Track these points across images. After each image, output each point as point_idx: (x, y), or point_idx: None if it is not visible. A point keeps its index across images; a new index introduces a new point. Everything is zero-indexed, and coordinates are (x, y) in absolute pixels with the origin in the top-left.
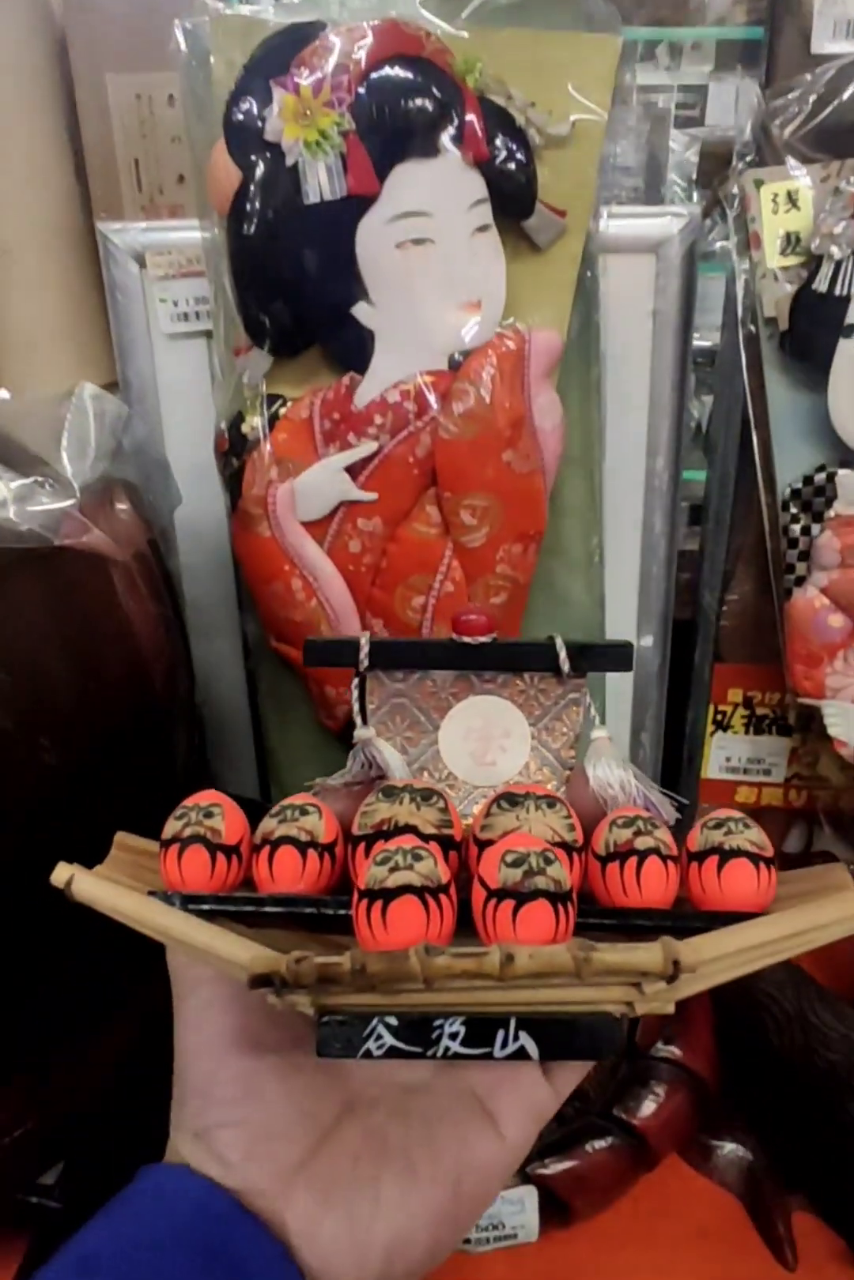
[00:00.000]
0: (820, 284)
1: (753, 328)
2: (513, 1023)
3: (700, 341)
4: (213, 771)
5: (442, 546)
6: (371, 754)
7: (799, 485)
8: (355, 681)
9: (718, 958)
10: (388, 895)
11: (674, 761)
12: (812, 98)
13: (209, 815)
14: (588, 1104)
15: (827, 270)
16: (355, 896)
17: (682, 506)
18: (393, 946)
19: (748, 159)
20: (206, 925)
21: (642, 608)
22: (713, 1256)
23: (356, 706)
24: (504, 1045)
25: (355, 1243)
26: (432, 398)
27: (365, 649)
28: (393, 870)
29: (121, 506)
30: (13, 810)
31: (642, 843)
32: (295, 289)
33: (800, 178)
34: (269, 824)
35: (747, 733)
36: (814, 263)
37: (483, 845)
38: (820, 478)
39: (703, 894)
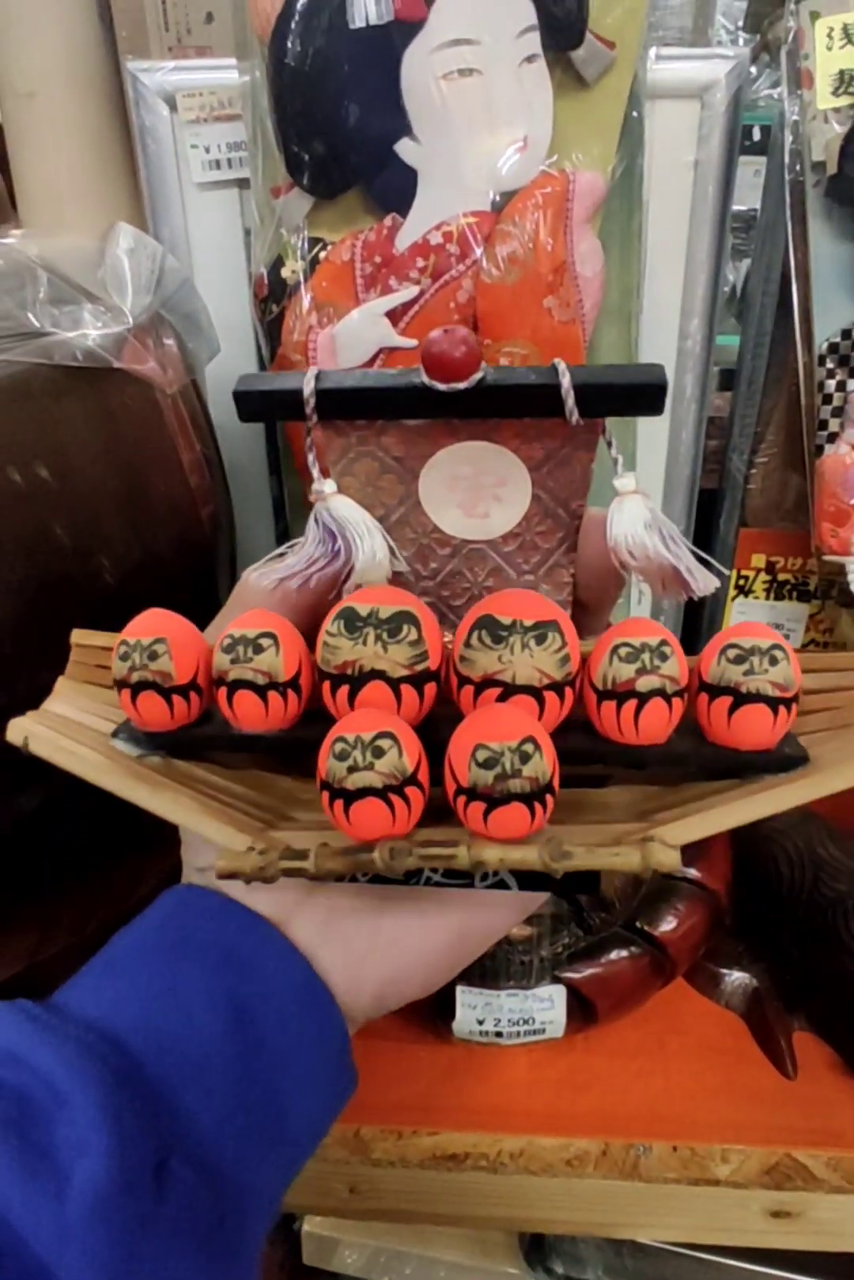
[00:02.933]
0: None
1: (800, 172)
2: None
3: (737, 205)
4: None
5: None
6: (330, 517)
7: (838, 339)
8: (306, 434)
9: (703, 836)
10: (349, 796)
11: (694, 623)
12: None
13: (154, 656)
14: (613, 915)
15: None
16: (319, 786)
17: (712, 371)
18: (358, 839)
19: None
20: (171, 788)
21: (669, 473)
22: (719, 1066)
23: (312, 460)
24: (485, 877)
25: (348, 975)
26: (474, 240)
27: (311, 398)
28: (352, 770)
29: (168, 342)
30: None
31: (645, 683)
32: (338, 121)
33: None
34: (222, 661)
35: (767, 598)
36: None
37: (463, 681)
38: None
39: (710, 727)
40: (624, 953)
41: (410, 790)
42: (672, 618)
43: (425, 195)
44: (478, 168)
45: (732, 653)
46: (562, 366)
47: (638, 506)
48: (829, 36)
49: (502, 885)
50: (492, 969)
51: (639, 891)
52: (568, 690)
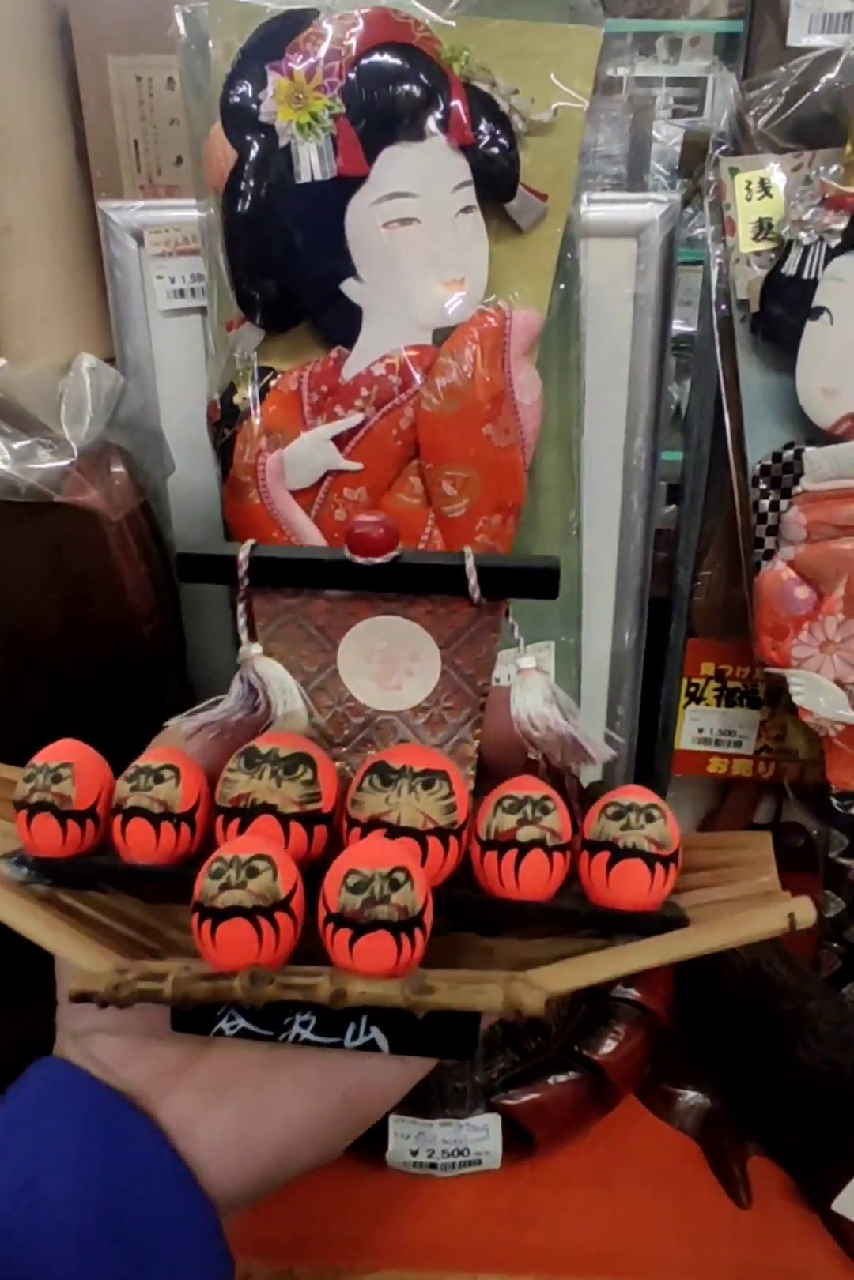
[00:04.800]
0: (789, 267)
1: (726, 310)
2: (364, 1018)
3: (682, 326)
4: None
5: (423, 516)
6: (255, 676)
7: (769, 462)
8: (239, 598)
9: (571, 988)
10: (217, 915)
11: (650, 732)
12: (785, 89)
13: (58, 778)
14: (550, 1039)
15: (795, 255)
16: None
17: (660, 486)
18: (221, 966)
19: (724, 148)
20: (45, 916)
21: (619, 584)
22: (670, 1195)
23: (243, 623)
24: (355, 1037)
25: (243, 1136)
26: (415, 372)
27: (244, 564)
28: (224, 887)
29: (116, 469)
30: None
31: (526, 834)
32: (286, 265)
33: (773, 166)
34: (122, 789)
35: (718, 705)
36: (784, 247)
37: (352, 823)
38: (788, 455)
39: (591, 886)
40: (562, 1078)
41: (281, 916)
42: (628, 725)
43: (370, 330)
44: (419, 306)
45: (611, 810)
46: (468, 552)
47: (538, 683)
48: (748, 189)
49: (372, 1046)
50: (424, 1097)
51: (576, 1014)
52: (453, 840)
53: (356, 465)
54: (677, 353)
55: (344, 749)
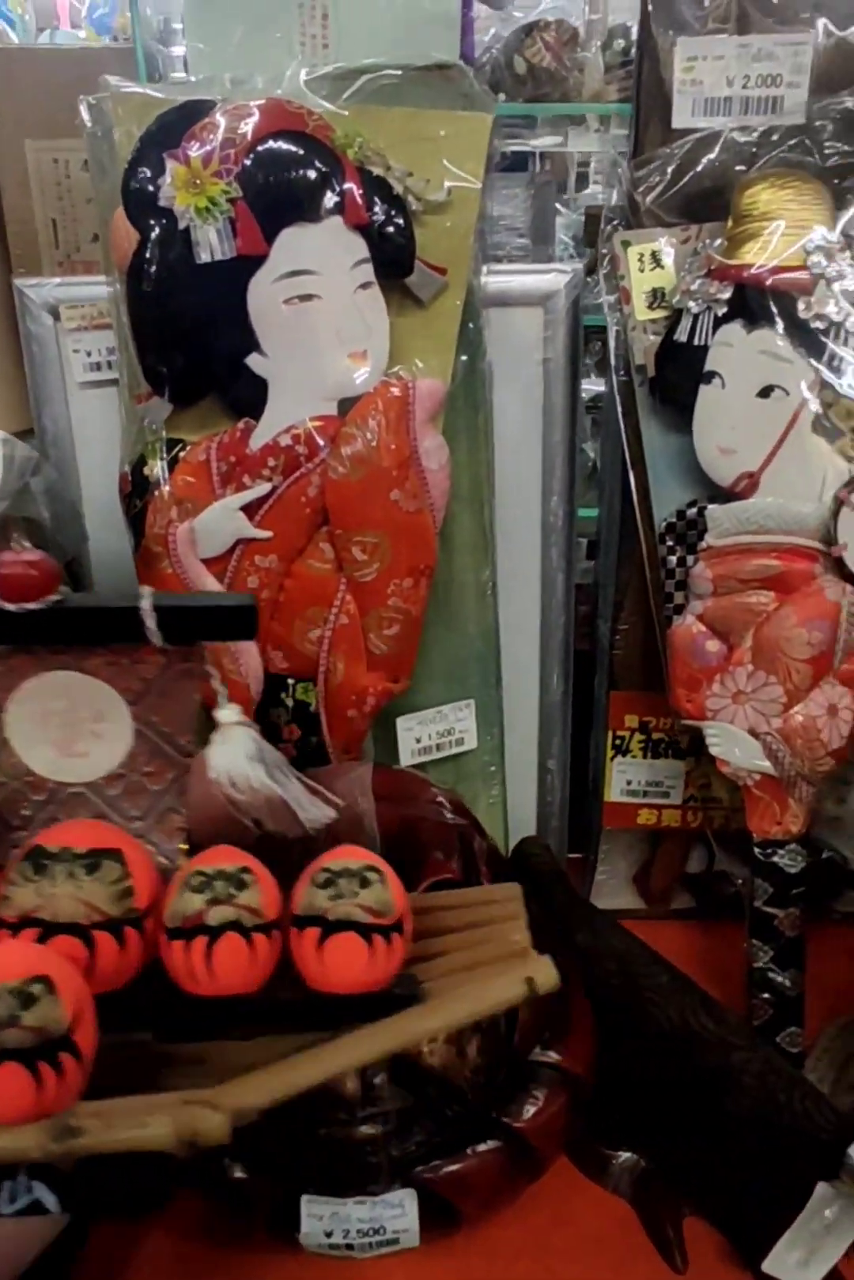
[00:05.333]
0: (681, 334)
1: (626, 375)
2: (22, 1176)
3: (597, 387)
4: None
5: (335, 581)
6: None
7: (674, 520)
8: None
9: (270, 1100)
10: None
11: (582, 785)
12: (670, 168)
13: None
14: (467, 1107)
15: (686, 322)
16: None
17: (580, 542)
18: None
19: (616, 223)
20: None
21: (543, 639)
22: (606, 1263)
23: None
24: (14, 1199)
25: None
26: (321, 441)
27: None
28: None
29: (25, 544)
30: None
31: (217, 915)
32: (191, 341)
33: (664, 240)
34: None
35: (644, 757)
36: (675, 315)
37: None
38: (692, 512)
39: (304, 968)
40: (482, 1147)
41: None
42: (559, 778)
43: (275, 402)
44: (322, 379)
45: (320, 877)
46: (146, 592)
47: (242, 739)
48: (641, 261)
49: (37, 1208)
50: (335, 1174)
51: (494, 1080)
52: (131, 931)
53: (266, 533)
54: (593, 411)
55: (24, 833)
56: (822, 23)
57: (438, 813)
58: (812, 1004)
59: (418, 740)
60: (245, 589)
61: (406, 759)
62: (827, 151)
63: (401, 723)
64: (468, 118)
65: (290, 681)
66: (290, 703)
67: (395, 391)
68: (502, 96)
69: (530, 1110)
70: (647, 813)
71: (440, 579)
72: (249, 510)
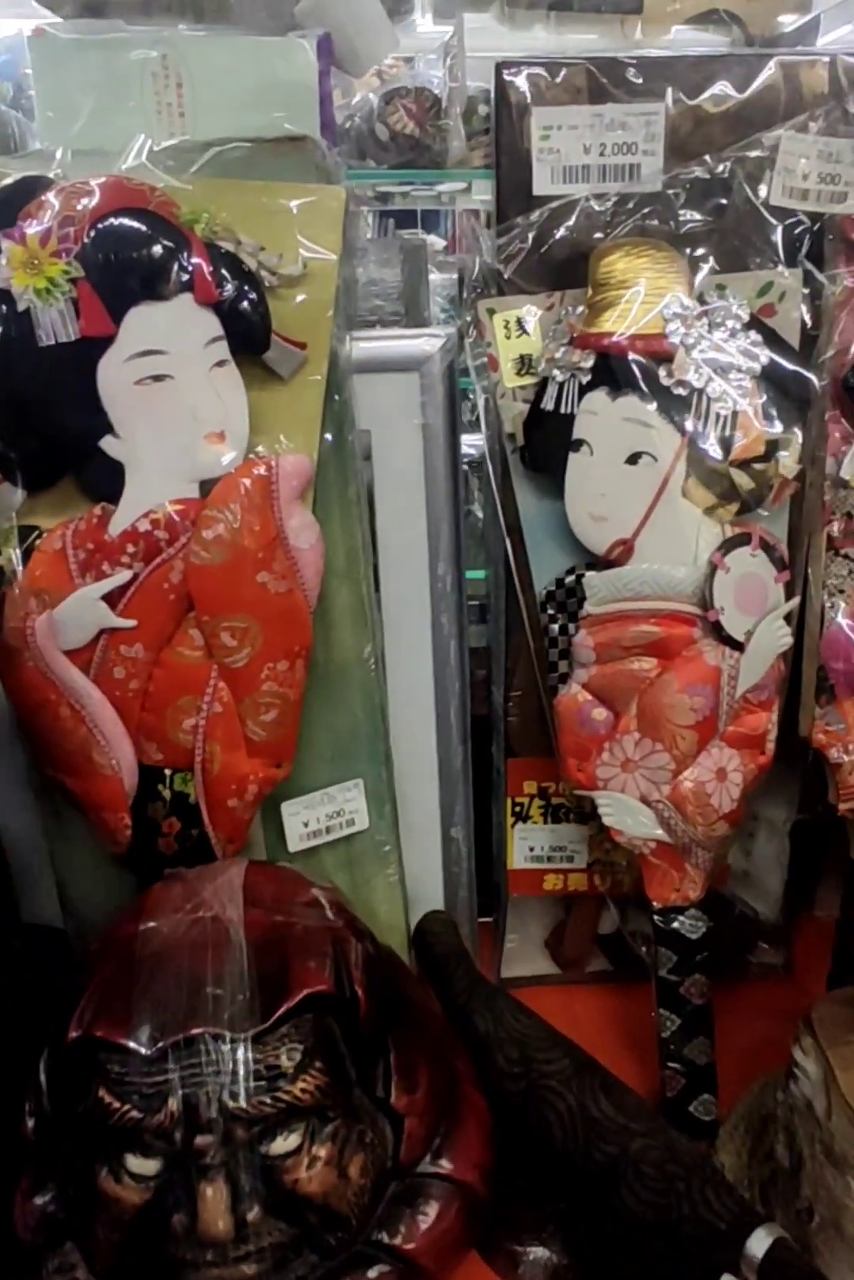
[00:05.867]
0: (548, 402)
1: (497, 443)
2: None
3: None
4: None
5: (207, 669)
6: None
7: (553, 588)
8: None
9: None
10: None
11: (488, 853)
12: (531, 235)
13: None
14: (351, 1232)
15: (551, 390)
16: None
17: (471, 605)
18: None
19: (481, 289)
20: None
21: (438, 708)
22: None
23: None
24: None
25: None
26: (182, 525)
27: None
28: None
29: None
30: None
31: None
32: (39, 426)
33: (528, 307)
34: None
35: (546, 822)
36: (541, 383)
37: None
38: (570, 579)
39: None
40: (370, 1273)
41: None
42: (464, 847)
43: (133, 486)
44: (180, 460)
45: None
46: None
47: None
48: (506, 328)
49: None
50: None
51: (380, 1200)
52: None
53: (130, 622)
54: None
55: None
56: (671, 92)
57: (313, 915)
58: (730, 1064)
59: (305, 824)
60: (112, 680)
61: (295, 845)
62: (681, 218)
63: (287, 808)
64: (322, 190)
65: (167, 773)
66: (168, 795)
67: (258, 471)
68: (370, 163)
69: (421, 1227)
70: (553, 878)
71: (320, 657)
72: (112, 599)
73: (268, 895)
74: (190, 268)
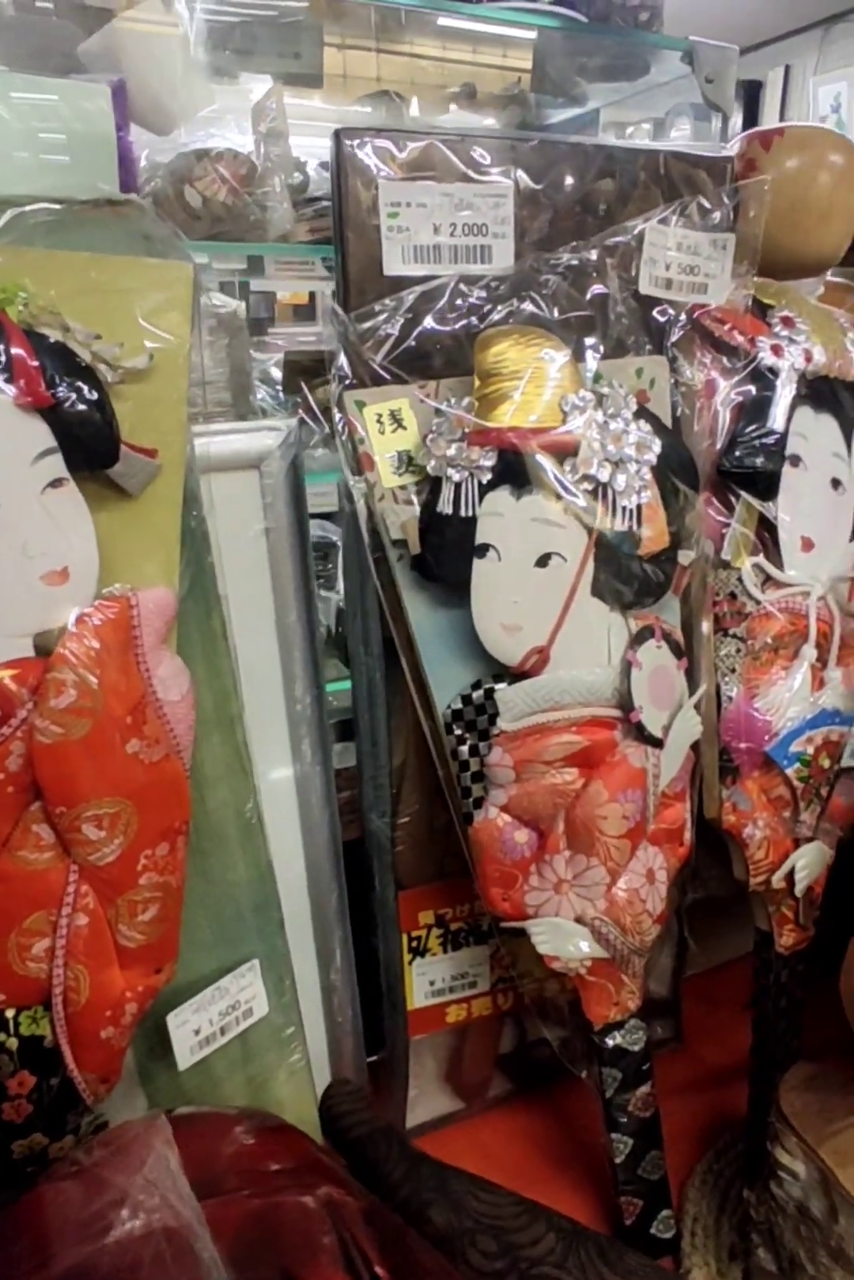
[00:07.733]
0: (444, 505)
1: (379, 552)
2: None
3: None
4: None
5: (62, 873)
6: None
7: (459, 706)
8: None
9: None
10: None
11: (373, 990)
12: (398, 321)
13: None
14: None
15: (448, 492)
16: None
17: (329, 724)
18: None
19: (346, 382)
20: None
21: (307, 846)
22: None
23: None
24: None
25: None
26: (19, 695)
27: None
28: None
29: None
30: None
31: None
32: None
33: (403, 399)
34: None
35: (446, 952)
36: (435, 485)
37: None
38: (478, 695)
39: None
40: None
41: None
42: (346, 993)
43: None
44: (10, 612)
45: None
46: None
47: None
48: (380, 422)
49: None
50: None
51: None
52: None
53: None
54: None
55: None
56: (518, 174)
57: (287, 1179)
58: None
59: (197, 1032)
60: None
61: (186, 1061)
62: (562, 304)
63: (173, 1019)
64: (164, 267)
65: (9, 1015)
66: (14, 1044)
67: (114, 613)
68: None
69: None
70: (456, 1009)
71: (195, 824)
72: None
73: (219, 1165)
74: (8, 362)
